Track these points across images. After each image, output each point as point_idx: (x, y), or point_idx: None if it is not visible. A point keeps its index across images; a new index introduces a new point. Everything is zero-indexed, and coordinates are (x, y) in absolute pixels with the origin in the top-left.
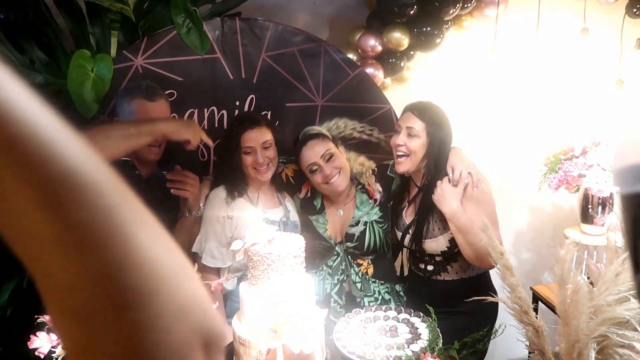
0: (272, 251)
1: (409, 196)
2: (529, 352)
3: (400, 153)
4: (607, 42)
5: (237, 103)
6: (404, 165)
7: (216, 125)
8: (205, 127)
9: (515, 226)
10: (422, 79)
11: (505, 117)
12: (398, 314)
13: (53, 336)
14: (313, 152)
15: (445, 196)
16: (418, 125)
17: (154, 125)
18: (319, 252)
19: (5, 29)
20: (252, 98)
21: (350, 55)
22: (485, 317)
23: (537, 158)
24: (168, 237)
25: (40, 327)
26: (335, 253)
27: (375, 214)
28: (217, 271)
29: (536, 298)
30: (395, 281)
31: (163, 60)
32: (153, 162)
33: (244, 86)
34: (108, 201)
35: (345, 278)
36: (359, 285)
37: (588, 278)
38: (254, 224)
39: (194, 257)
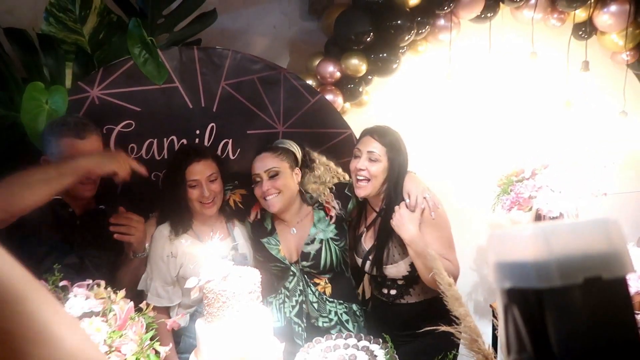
0: (226, 288)
1: (366, 221)
2: None
3: (361, 177)
4: (556, 64)
5: (198, 132)
6: (365, 190)
7: None
8: (165, 157)
9: (476, 243)
10: (381, 103)
11: (462, 139)
12: (358, 341)
13: None
14: (262, 164)
15: (404, 222)
16: (378, 150)
17: (75, 163)
18: (275, 274)
19: None
20: (213, 127)
21: (310, 82)
22: (449, 338)
23: (493, 177)
24: (78, 325)
25: None
26: (292, 273)
27: (331, 232)
28: (167, 309)
29: (495, 315)
30: (353, 301)
31: (120, 91)
32: (88, 198)
33: (204, 115)
34: (28, 306)
35: (304, 299)
36: (315, 305)
37: None
38: (208, 260)
39: (141, 295)
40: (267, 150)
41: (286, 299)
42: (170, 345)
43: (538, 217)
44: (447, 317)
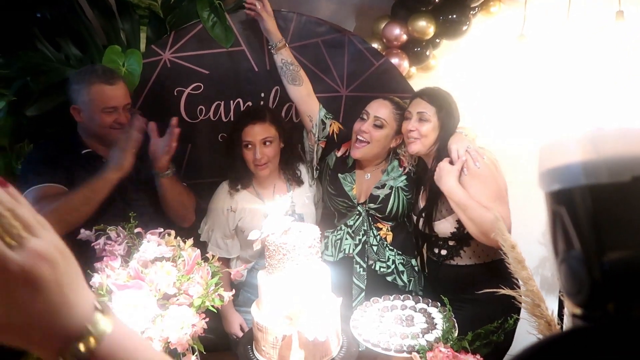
0: (287, 241)
1: (423, 180)
2: None
3: (411, 138)
4: None
5: (262, 94)
6: (415, 146)
7: None
8: (232, 119)
9: (545, 216)
10: (449, 68)
11: (535, 105)
12: (416, 303)
13: None
14: (376, 108)
15: (442, 174)
16: (428, 110)
17: (103, 180)
18: (339, 210)
19: (42, 27)
20: (277, 89)
21: (375, 45)
22: (503, 307)
23: None
24: None
25: None
26: (357, 212)
27: (402, 181)
28: (227, 261)
29: None
30: (412, 256)
31: (190, 54)
32: None
33: (268, 78)
34: None
35: (367, 239)
36: (374, 248)
37: None
38: (271, 215)
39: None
40: (391, 100)
41: (347, 237)
42: (233, 291)
43: None
44: (501, 283)
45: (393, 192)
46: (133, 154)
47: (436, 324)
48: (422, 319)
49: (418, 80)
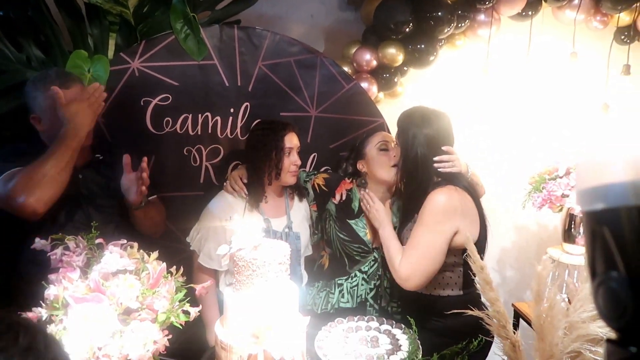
0: (257, 257)
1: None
2: None
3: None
4: (595, 66)
5: (232, 110)
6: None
7: (209, 132)
8: (199, 133)
9: (500, 244)
10: (414, 95)
11: (494, 135)
12: (380, 324)
13: None
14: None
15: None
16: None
17: (73, 139)
18: (354, 256)
19: (4, 26)
20: (247, 106)
21: (345, 69)
22: (473, 328)
23: (523, 177)
24: None
25: None
26: (373, 259)
27: None
28: (214, 272)
29: (517, 315)
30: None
31: (159, 65)
32: (87, 147)
33: (239, 93)
34: None
35: (380, 283)
36: (388, 291)
37: (568, 296)
38: (242, 229)
39: (192, 253)
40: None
41: (363, 282)
42: (200, 307)
43: (569, 217)
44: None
45: None
46: (91, 119)
47: (401, 345)
48: (386, 340)
49: (385, 106)
